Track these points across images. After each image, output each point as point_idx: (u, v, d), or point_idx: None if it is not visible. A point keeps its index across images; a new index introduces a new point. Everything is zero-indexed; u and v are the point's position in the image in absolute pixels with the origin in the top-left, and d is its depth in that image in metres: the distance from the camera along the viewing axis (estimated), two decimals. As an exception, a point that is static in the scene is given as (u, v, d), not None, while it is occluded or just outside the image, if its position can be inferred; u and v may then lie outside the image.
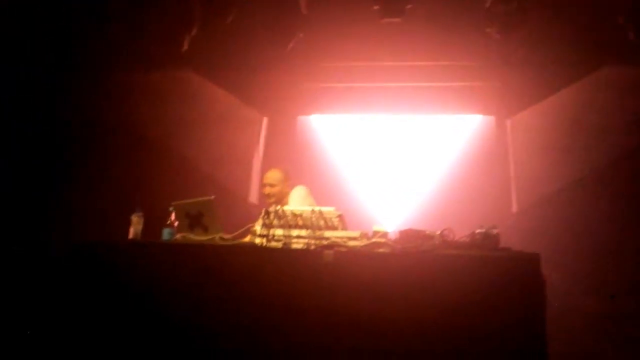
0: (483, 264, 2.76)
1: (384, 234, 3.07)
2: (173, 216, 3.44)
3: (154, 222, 3.53)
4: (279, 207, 3.18)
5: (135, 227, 3.42)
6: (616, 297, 4.81)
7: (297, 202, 4.13)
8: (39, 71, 4.89)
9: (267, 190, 4.28)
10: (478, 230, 2.99)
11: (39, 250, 4.51)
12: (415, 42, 5.59)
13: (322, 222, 3.09)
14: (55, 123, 4.99)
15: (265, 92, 6.36)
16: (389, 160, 6.50)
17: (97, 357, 3.07)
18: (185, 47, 5.25)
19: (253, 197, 6.41)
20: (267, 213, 3.15)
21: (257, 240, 3.12)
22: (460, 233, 3.09)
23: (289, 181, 4.36)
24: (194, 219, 3.35)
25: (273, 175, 4.33)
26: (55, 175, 4.92)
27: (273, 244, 3.08)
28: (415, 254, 2.86)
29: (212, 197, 3.35)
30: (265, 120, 6.71)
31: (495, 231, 2.98)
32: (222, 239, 3.27)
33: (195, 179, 5.65)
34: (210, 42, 5.49)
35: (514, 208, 6.02)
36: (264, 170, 6.43)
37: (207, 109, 6.05)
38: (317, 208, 3.13)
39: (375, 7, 4.90)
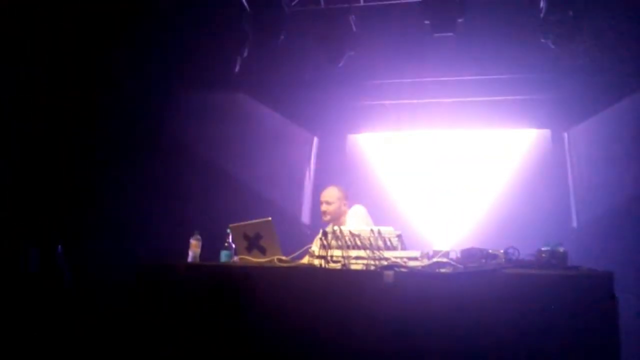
0: (552, 283, 2.66)
1: (445, 254, 3.00)
2: (230, 238, 3.45)
3: (211, 244, 3.54)
4: (336, 227, 3.15)
5: (194, 250, 3.44)
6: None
7: (355, 221, 4.08)
8: (91, 91, 5.01)
9: (324, 207, 4.23)
10: (544, 248, 2.88)
11: (98, 273, 4.58)
12: (467, 56, 5.50)
13: (380, 242, 3.04)
14: (110, 143, 5.09)
15: (315, 111, 6.40)
16: (441, 177, 6.40)
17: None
18: (237, 68, 5.30)
19: (305, 216, 6.41)
20: (325, 234, 3.13)
21: (316, 262, 3.09)
22: (523, 251, 2.99)
23: (347, 200, 4.30)
24: (252, 241, 3.35)
25: (330, 193, 4.28)
26: (110, 198, 5.00)
27: (332, 265, 3.05)
28: (479, 274, 2.77)
29: (269, 218, 3.35)
30: (315, 140, 6.73)
31: (562, 249, 2.87)
32: (280, 260, 3.25)
33: (248, 199, 5.69)
34: (262, 63, 5.53)
35: (574, 223, 5.83)
36: (315, 189, 6.48)
37: (259, 130, 6.11)
38: (375, 228, 3.08)
39: (426, 22, 4.83)
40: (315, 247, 3.17)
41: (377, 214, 4.25)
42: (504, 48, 5.41)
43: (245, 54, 5.51)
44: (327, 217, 4.22)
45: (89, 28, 4.82)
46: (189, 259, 3.42)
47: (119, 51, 5.06)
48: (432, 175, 6.43)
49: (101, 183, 4.90)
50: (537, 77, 5.80)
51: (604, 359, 2.55)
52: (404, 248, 3.06)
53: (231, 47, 5.51)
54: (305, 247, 3.30)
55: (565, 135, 6.07)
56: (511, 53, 5.48)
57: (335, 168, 6.39)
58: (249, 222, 3.36)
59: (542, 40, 5.14)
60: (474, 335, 2.66)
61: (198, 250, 3.46)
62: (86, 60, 4.89)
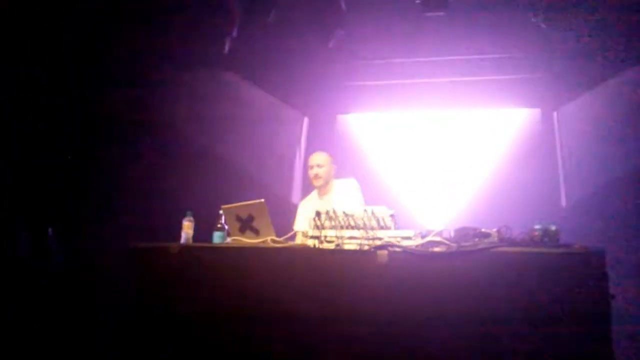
0: (545, 260, 2.68)
1: (439, 233, 3.01)
2: (223, 219, 3.43)
3: (202, 226, 3.53)
4: (329, 208, 3.14)
5: (187, 231, 3.42)
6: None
7: (350, 194, 4.12)
8: (78, 70, 4.93)
9: (316, 170, 4.22)
10: (536, 226, 2.90)
11: (87, 254, 4.56)
12: (457, 36, 5.48)
13: (374, 222, 3.04)
14: (100, 125, 5.03)
15: (305, 91, 6.36)
16: (431, 157, 6.41)
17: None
18: (227, 48, 5.25)
19: (296, 197, 6.40)
20: (318, 214, 3.12)
21: (310, 242, 3.09)
22: (513, 229, 3.01)
23: (334, 165, 4.32)
24: (245, 222, 3.34)
25: (321, 156, 4.29)
26: (98, 178, 4.96)
27: (325, 245, 3.05)
28: (473, 252, 2.79)
29: (262, 200, 3.33)
30: (306, 120, 6.71)
31: (554, 227, 2.88)
32: (274, 241, 3.25)
33: (237, 180, 5.66)
34: (251, 43, 5.48)
35: (564, 202, 5.88)
36: (305, 170, 6.46)
37: (250, 110, 6.06)
38: (369, 208, 3.08)
39: (417, 1, 4.81)
40: (308, 228, 3.17)
41: (369, 194, 4.25)
42: (494, 27, 5.39)
43: (235, 33, 5.47)
44: (320, 181, 4.24)
45: (77, 10, 4.74)
46: (182, 241, 3.40)
47: (107, 32, 4.98)
48: (423, 155, 6.44)
49: (91, 164, 4.86)
50: (527, 56, 5.81)
51: (595, 334, 2.58)
52: (397, 228, 3.07)
53: (221, 27, 5.47)
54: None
55: (555, 114, 6.09)
56: (501, 32, 5.47)
57: (326, 148, 6.33)
58: (242, 203, 3.34)
59: (533, 20, 5.15)
60: (468, 314, 2.69)
61: (191, 232, 3.43)
62: (73, 42, 4.81)
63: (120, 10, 5.02)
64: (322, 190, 4.30)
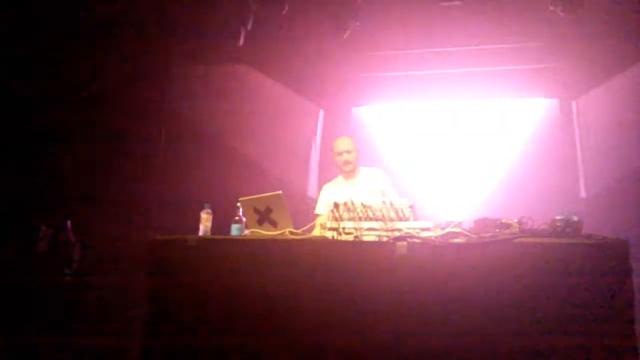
0: (567, 251, 2.64)
1: (459, 224, 2.98)
2: (240, 212, 3.43)
3: (220, 218, 3.53)
4: (348, 199, 3.13)
5: (205, 223, 3.43)
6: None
7: (386, 184, 4.20)
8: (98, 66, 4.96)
9: (346, 157, 4.23)
10: (558, 217, 2.86)
11: (106, 246, 4.58)
12: (474, 25, 5.42)
13: (393, 214, 3.02)
14: (116, 120, 5.06)
15: (321, 83, 6.33)
16: (448, 148, 6.36)
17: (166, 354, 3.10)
18: (242, 42, 5.24)
19: (312, 190, 6.39)
20: (337, 206, 3.11)
21: (328, 234, 3.08)
22: (534, 220, 2.97)
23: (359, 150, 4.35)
24: (263, 214, 3.33)
25: (348, 142, 4.31)
26: (116, 172, 4.98)
27: (344, 237, 3.03)
28: (493, 243, 2.76)
29: (279, 192, 3.33)
30: (321, 113, 6.69)
31: (576, 218, 2.85)
32: (292, 233, 3.24)
33: (253, 173, 5.67)
34: (266, 36, 5.47)
35: (583, 193, 5.80)
36: (321, 162, 6.47)
37: (265, 103, 6.05)
38: (387, 199, 3.07)
39: (434, -10, 4.77)
40: (327, 219, 3.15)
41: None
42: (512, 16, 5.32)
43: (250, 26, 5.45)
44: (350, 167, 4.26)
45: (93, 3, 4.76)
46: (200, 233, 3.41)
47: (122, 26, 4.99)
48: (440, 146, 6.38)
49: (109, 159, 4.88)
50: (545, 46, 5.71)
51: (619, 327, 2.54)
52: (416, 219, 3.04)
53: (235, 20, 5.45)
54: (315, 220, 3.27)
55: (574, 103, 6.01)
56: (519, 21, 5.40)
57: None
58: (259, 195, 3.33)
59: (551, 8, 5.07)
60: (488, 305, 2.66)
61: (209, 224, 3.44)
62: (90, 35, 4.83)
63: (135, 6, 5.04)
64: (349, 175, 4.30)
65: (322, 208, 4.11)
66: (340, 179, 4.39)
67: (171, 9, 5.21)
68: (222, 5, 5.22)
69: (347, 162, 4.25)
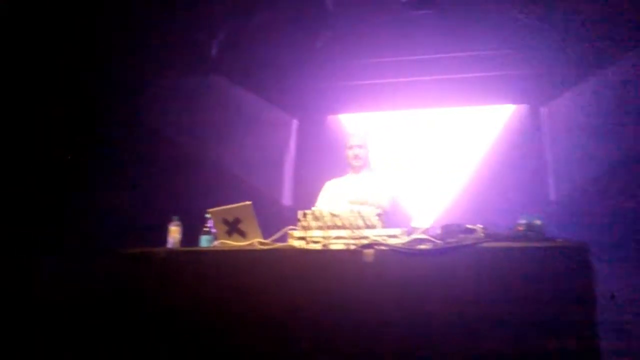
0: (529, 254, 2.67)
1: (425, 230, 3.01)
2: (210, 223, 3.43)
3: (190, 230, 3.52)
4: (315, 208, 3.15)
5: (174, 235, 3.42)
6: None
7: (399, 191, 4.19)
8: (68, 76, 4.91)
9: (356, 151, 4.17)
10: (521, 221, 2.90)
11: (74, 260, 4.52)
12: (445, 33, 5.49)
13: (360, 222, 3.04)
14: (86, 130, 5.01)
15: (294, 93, 6.36)
16: (422, 155, 6.42)
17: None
18: (214, 51, 5.25)
19: (287, 199, 6.40)
20: (304, 215, 3.13)
21: (296, 243, 3.09)
22: (500, 225, 3.01)
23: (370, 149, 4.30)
24: (232, 225, 3.33)
25: (362, 137, 4.24)
26: (84, 183, 4.92)
27: (312, 245, 3.05)
28: (458, 249, 2.79)
29: (249, 202, 3.33)
30: (295, 122, 6.71)
31: (538, 221, 2.89)
32: (261, 243, 3.25)
33: (228, 183, 5.66)
34: (238, 46, 5.48)
35: (552, 196, 5.89)
36: (296, 172, 6.49)
37: (238, 113, 6.06)
38: (355, 207, 3.09)
39: (404, 0, 4.82)
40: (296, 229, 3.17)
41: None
42: (482, 24, 5.40)
43: (222, 36, 5.46)
44: (360, 162, 4.20)
45: (61, 13, 4.73)
46: (169, 245, 3.40)
47: (92, 37, 4.96)
48: (413, 153, 6.45)
49: (75, 174, 4.82)
50: (515, 53, 5.81)
51: (580, 329, 2.57)
52: (385, 227, 3.07)
53: (207, 30, 5.46)
54: (285, 229, 3.27)
55: (543, 110, 6.11)
56: (489, 29, 5.48)
57: (317, 150, 6.38)
58: (228, 206, 3.33)
59: (519, 16, 5.17)
60: (454, 312, 2.68)
61: (178, 236, 3.43)
62: (59, 48, 4.80)
63: (107, 18, 5.01)
64: (358, 170, 4.23)
65: (321, 202, 4.10)
66: (349, 175, 4.30)
67: (144, 18, 5.19)
68: (194, 15, 5.22)
69: (356, 157, 4.18)
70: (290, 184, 6.44)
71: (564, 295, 2.59)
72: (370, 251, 2.87)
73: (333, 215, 3.08)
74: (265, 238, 3.31)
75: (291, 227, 3.23)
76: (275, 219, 3.87)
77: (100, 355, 3.19)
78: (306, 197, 4.60)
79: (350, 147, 4.21)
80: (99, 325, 3.24)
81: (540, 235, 2.82)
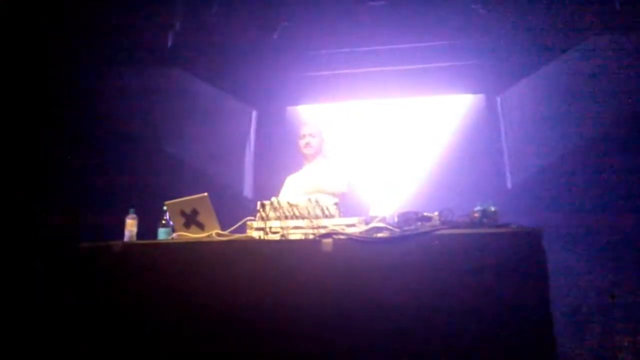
0: (484, 241, 2.72)
1: (382, 218, 3.04)
2: (167, 215, 3.39)
3: (148, 223, 3.47)
4: (274, 198, 3.14)
5: (130, 229, 3.36)
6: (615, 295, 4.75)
7: (352, 177, 4.15)
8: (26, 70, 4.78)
9: (307, 139, 4.19)
10: (476, 208, 2.95)
11: (29, 253, 4.41)
12: (400, 24, 5.54)
13: (319, 211, 3.05)
14: (42, 122, 4.87)
15: (253, 84, 6.33)
16: (380, 145, 6.47)
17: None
18: (170, 42, 5.17)
19: (248, 191, 6.37)
20: (263, 205, 3.13)
21: (255, 234, 3.08)
22: (459, 213, 3.06)
23: (324, 139, 4.31)
24: (189, 217, 3.30)
25: (313, 126, 4.27)
26: (38, 175, 4.80)
27: (271, 236, 3.05)
28: (415, 236, 2.82)
29: (205, 194, 3.30)
30: (254, 113, 6.68)
31: (492, 208, 2.94)
32: (219, 234, 3.22)
33: (187, 176, 5.60)
34: (195, 36, 5.41)
35: (509, 184, 6.02)
36: (256, 162, 6.47)
37: (196, 105, 5.99)
38: (313, 197, 3.09)
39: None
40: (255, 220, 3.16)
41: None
42: (437, 14, 5.46)
43: (178, 27, 5.39)
44: (310, 150, 4.21)
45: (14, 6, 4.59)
46: (125, 239, 3.34)
47: (44, 31, 4.82)
48: (371, 143, 6.49)
49: (29, 167, 4.69)
50: (470, 43, 5.89)
51: (535, 316, 2.63)
52: (342, 216, 3.08)
53: (163, 21, 5.37)
54: (243, 220, 3.26)
55: (498, 98, 6.23)
56: (444, 19, 5.54)
57: (276, 140, 6.36)
58: (185, 198, 3.29)
59: (472, 6, 5.25)
60: (411, 299, 2.71)
61: (134, 229, 3.38)
62: (11, 42, 4.65)
63: (61, 8, 4.88)
64: (310, 159, 4.25)
65: (282, 196, 4.09)
66: (305, 167, 4.32)
67: (97, 10, 5.07)
68: (151, 7, 5.12)
69: (308, 145, 4.19)
70: (250, 176, 6.41)
71: (519, 279, 2.65)
72: (328, 240, 2.88)
73: (291, 205, 3.08)
74: (225, 230, 3.29)
75: (250, 217, 3.22)
76: (235, 210, 3.85)
77: (57, 351, 3.13)
78: (266, 188, 4.60)
79: (303, 136, 4.23)
80: (58, 320, 3.17)
81: (495, 222, 2.88)
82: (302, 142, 4.23)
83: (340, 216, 3.06)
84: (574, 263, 5.00)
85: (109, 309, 3.08)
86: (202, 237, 3.24)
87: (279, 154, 5.82)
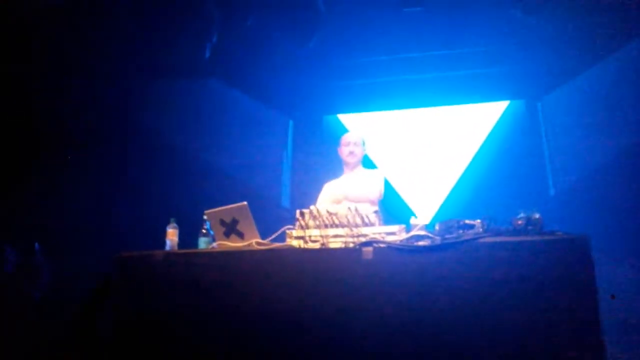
0: (529, 248, 2.66)
1: (423, 227, 3.00)
2: (208, 225, 3.41)
3: (189, 232, 3.50)
4: (313, 207, 3.13)
5: (171, 238, 3.40)
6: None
7: (374, 181, 4.11)
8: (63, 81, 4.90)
9: (352, 148, 4.17)
10: (519, 215, 2.89)
11: (74, 263, 4.50)
12: (438, 30, 5.49)
13: (358, 220, 3.03)
14: (84, 135, 4.99)
15: (289, 93, 6.35)
16: (420, 153, 6.41)
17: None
18: (208, 54, 5.23)
19: (285, 200, 6.39)
20: (302, 214, 3.12)
21: (294, 243, 3.08)
22: (501, 220, 3.00)
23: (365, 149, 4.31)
24: (229, 226, 3.31)
25: (357, 135, 4.27)
26: (83, 188, 4.90)
27: (310, 245, 3.03)
28: (457, 244, 2.77)
29: (245, 202, 3.31)
30: (291, 122, 6.71)
31: (537, 215, 2.87)
32: (259, 243, 3.23)
33: (226, 186, 5.64)
34: (232, 48, 5.47)
35: (552, 191, 5.89)
36: (293, 172, 6.48)
37: (234, 115, 6.05)
38: (352, 205, 3.07)
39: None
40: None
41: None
42: (474, 20, 5.39)
43: (215, 39, 5.45)
44: (354, 159, 4.19)
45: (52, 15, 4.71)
46: (167, 248, 3.38)
47: (85, 41, 4.95)
48: (411, 151, 6.43)
49: (74, 177, 4.80)
50: (509, 48, 5.79)
51: (583, 322, 2.55)
52: (382, 224, 3.05)
53: (200, 33, 5.44)
54: (283, 228, 3.26)
55: (539, 104, 6.11)
56: (482, 25, 5.47)
57: (313, 150, 6.37)
58: (224, 207, 3.31)
59: (512, 11, 5.16)
60: (454, 307, 2.67)
61: (176, 239, 3.41)
62: (52, 52, 4.78)
63: (100, 22, 5.00)
64: (352, 168, 4.23)
65: (319, 203, 4.07)
66: (344, 175, 4.29)
67: (137, 22, 5.17)
68: (186, 19, 5.20)
69: (352, 154, 4.17)
70: (288, 185, 6.43)
71: (565, 287, 2.58)
72: (369, 249, 2.86)
73: (330, 213, 3.06)
74: (264, 239, 3.29)
75: (289, 226, 3.21)
76: (273, 219, 3.86)
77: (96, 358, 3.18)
78: (303, 197, 4.60)
79: (347, 144, 4.21)
80: (99, 328, 3.22)
81: (539, 229, 2.81)
82: (345, 150, 4.21)
83: (379, 224, 3.03)
84: (619, 272, 4.84)
85: (151, 318, 3.12)
86: (242, 246, 3.25)
87: (316, 163, 5.83)
